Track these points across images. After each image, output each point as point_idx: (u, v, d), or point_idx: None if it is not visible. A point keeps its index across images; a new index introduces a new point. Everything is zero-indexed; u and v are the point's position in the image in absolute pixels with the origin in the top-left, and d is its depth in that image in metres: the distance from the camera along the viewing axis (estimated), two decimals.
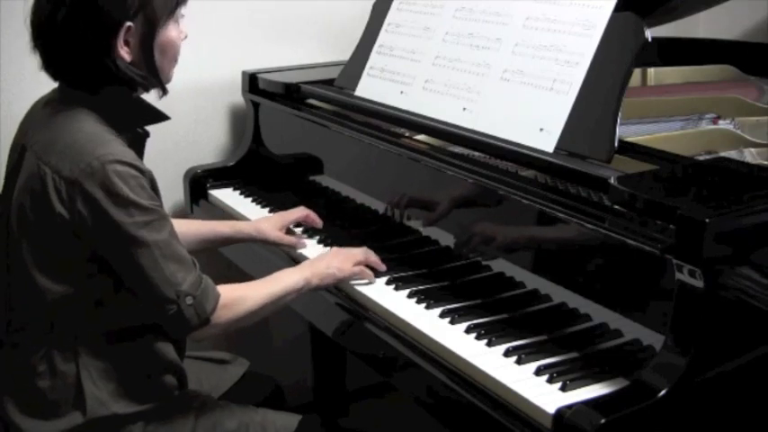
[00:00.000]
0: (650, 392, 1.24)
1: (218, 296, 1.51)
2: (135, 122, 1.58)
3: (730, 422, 1.33)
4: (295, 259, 1.95)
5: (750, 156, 1.78)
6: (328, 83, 2.22)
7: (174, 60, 1.58)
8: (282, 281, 1.64)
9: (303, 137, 2.26)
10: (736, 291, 1.28)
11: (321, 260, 1.73)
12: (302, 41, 2.59)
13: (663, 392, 1.23)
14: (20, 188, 1.51)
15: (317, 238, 1.99)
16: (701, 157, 1.67)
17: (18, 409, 1.54)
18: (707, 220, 1.23)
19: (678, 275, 1.27)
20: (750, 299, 1.29)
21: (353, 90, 2.12)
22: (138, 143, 1.58)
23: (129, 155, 1.47)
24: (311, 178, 2.22)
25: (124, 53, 1.48)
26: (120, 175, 1.42)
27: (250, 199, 2.28)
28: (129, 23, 1.47)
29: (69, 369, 1.52)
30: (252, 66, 2.45)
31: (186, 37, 1.59)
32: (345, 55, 2.22)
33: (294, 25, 2.58)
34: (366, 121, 2.02)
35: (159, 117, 1.59)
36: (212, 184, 2.38)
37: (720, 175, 1.49)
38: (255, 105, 2.42)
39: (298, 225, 2.02)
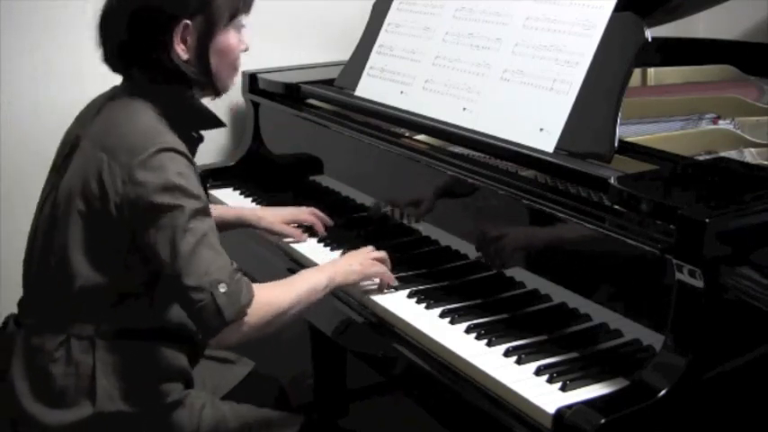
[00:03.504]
0: (650, 392, 1.24)
1: (253, 293, 1.49)
2: (192, 125, 1.61)
3: (730, 422, 1.33)
4: (294, 258, 1.95)
5: (750, 156, 1.78)
6: (328, 83, 2.22)
7: (234, 68, 1.63)
8: (307, 281, 1.62)
9: (303, 137, 2.26)
10: (736, 291, 1.28)
11: (342, 260, 1.72)
12: (302, 41, 2.59)
13: (663, 392, 1.23)
14: (72, 173, 1.53)
15: (317, 237, 1.99)
16: (701, 157, 1.67)
17: (30, 393, 1.54)
18: (707, 220, 1.23)
19: (678, 275, 1.27)
20: (750, 299, 1.29)
21: (353, 90, 2.12)
22: (191, 146, 1.59)
23: (183, 147, 1.51)
24: (311, 178, 2.22)
25: (180, 51, 1.53)
26: (174, 161, 1.46)
27: (250, 199, 2.28)
28: (186, 21, 1.51)
29: (86, 360, 1.52)
30: (252, 66, 2.45)
31: (247, 49, 1.64)
32: (345, 55, 2.22)
33: (294, 25, 2.58)
34: (366, 121, 2.02)
35: (216, 123, 1.63)
36: (212, 183, 2.38)
37: (720, 175, 1.49)
38: (255, 105, 2.42)
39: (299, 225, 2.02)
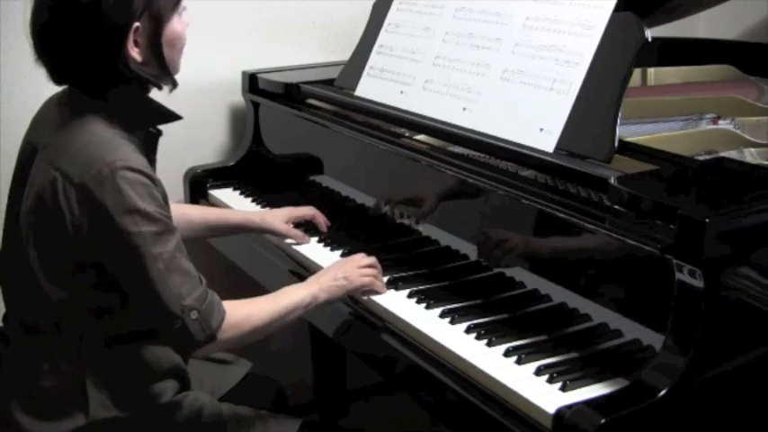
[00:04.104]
0: (650, 392, 1.24)
1: (224, 312, 1.49)
2: (147, 123, 1.57)
3: (730, 422, 1.33)
4: (295, 258, 1.95)
5: (750, 156, 1.78)
6: (328, 83, 2.22)
7: (181, 51, 1.56)
8: (289, 297, 1.61)
9: (303, 137, 2.26)
10: (736, 291, 1.28)
11: (328, 272, 1.70)
12: (302, 41, 2.59)
13: (663, 392, 1.23)
14: (29, 191, 1.50)
15: (317, 237, 1.99)
16: (701, 157, 1.67)
17: (21, 408, 1.53)
18: (707, 220, 1.23)
19: (678, 275, 1.27)
20: (750, 299, 1.29)
21: (353, 90, 2.12)
22: (150, 142, 1.58)
23: (140, 161, 1.45)
24: (311, 178, 2.22)
25: (135, 54, 1.47)
26: (130, 183, 1.41)
27: (250, 199, 2.28)
28: (136, 24, 1.45)
29: (74, 370, 1.51)
30: (252, 66, 2.45)
31: (188, 24, 1.56)
32: (345, 55, 2.22)
33: (294, 25, 2.58)
34: (366, 121, 2.02)
35: (171, 117, 1.58)
36: (212, 184, 2.38)
37: (720, 175, 1.49)
38: (255, 105, 2.42)
39: (299, 225, 2.02)
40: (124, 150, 1.45)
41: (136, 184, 1.41)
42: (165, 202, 1.48)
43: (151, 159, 1.57)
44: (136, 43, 1.47)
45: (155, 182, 1.45)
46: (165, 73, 1.53)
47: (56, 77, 1.51)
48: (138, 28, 1.46)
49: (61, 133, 1.49)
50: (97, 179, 1.41)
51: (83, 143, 1.45)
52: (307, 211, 2.02)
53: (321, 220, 2.01)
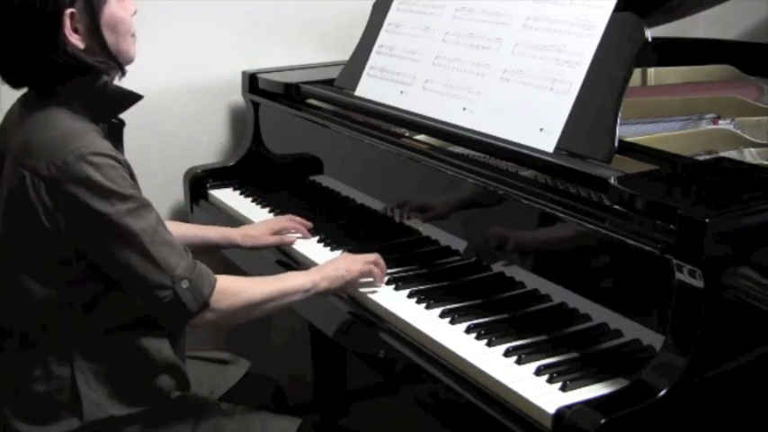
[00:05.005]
0: (650, 392, 1.24)
1: (215, 280, 1.49)
2: (109, 109, 1.56)
3: (730, 422, 1.33)
4: (294, 258, 1.95)
5: (750, 156, 1.78)
6: (328, 83, 2.22)
7: (131, 36, 1.54)
8: (289, 280, 1.63)
9: (303, 137, 2.26)
10: (736, 291, 1.28)
11: (329, 263, 1.71)
12: (302, 41, 2.59)
13: (663, 392, 1.23)
14: (2, 194, 1.50)
15: (317, 237, 1.99)
16: (701, 157, 1.67)
17: (15, 414, 1.53)
18: (707, 220, 1.23)
19: (678, 275, 1.27)
20: (750, 299, 1.29)
21: (353, 90, 2.12)
22: (115, 134, 1.57)
23: (105, 145, 1.45)
24: (311, 178, 2.22)
25: (76, 41, 1.46)
26: (98, 167, 1.41)
27: (250, 199, 2.28)
28: (70, 10, 1.45)
29: (64, 372, 1.51)
30: (252, 66, 2.45)
31: (136, 12, 1.55)
32: (345, 55, 2.22)
33: (294, 25, 2.58)
34: (366, 121, 2.02)
35: (132, 98, 1.57)
36: (212, 184, 2.39)
37: (720, 175, 1.50)
38: (255, 105, 2.42)
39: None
40: (88, 137, 1.45)
41: (103, 167, 1.42)
42: (133, 180, 1.48)
43: (118, 150, 1.55)
44: (76, 30, 1.46)
45: (121, 162, 1.46)
46: (109, 58, 1.51)
47: (9, 81, 1.51)
48: (73, 14, 1.45)
49: (25, 132, 1.49)
50: (63, 169, 1.41)
51: (46, 136, 1.45)
52: (286, 223, 1.99)
53: (303, 228, 1.99)
